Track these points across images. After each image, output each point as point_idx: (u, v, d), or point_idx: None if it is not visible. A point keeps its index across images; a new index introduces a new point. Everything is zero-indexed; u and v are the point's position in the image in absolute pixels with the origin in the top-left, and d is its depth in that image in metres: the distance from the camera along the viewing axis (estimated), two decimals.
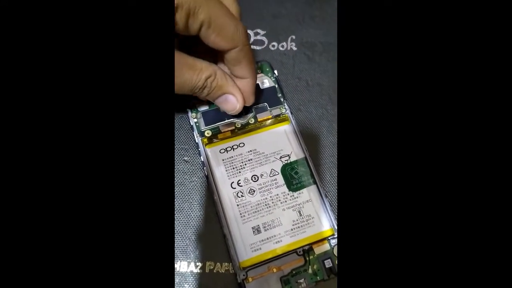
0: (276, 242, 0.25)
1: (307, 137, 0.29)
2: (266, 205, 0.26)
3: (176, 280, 0.25)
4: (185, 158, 0.29)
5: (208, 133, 0.29)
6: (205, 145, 0.28)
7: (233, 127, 0.29)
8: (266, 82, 0.31)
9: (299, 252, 0.25)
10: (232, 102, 0.26)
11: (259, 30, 0.34)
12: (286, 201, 0.27)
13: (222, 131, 0.29)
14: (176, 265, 0.25)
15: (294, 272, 0.25)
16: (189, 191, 0.28)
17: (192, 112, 0.29)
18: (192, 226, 0.26)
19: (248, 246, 0.25)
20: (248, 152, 0.28)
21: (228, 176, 0.27)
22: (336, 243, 0.26)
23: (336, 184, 0.28)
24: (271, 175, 0.27)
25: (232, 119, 0.29)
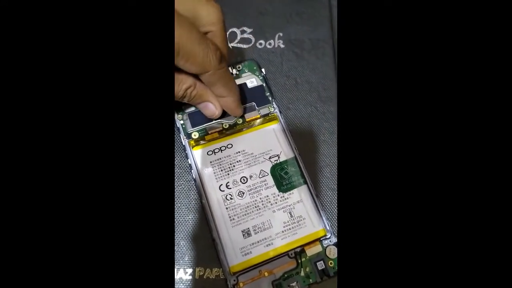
0: (267, 245, 0.25)
1: (297, 136, 0.29)
2: (256, 207, 0.26)
3: None
4: None
5: (195, 135, 0.28)
6: (192, 147, 0.27)
7: (221, 128, 0.28)
8: (253, 81, 0.30)
9: (291, 254, 0.25)
10: (211, 109, 0.27)
11: (245, 28, 0.34)
12: (276, 203, 0.26)
13: (210, 132, 0.28)
14: None
15: (286, 275, 0.24)
16: (177, 195, 0.27)
17: (178, 114, 0.28)
18: (181, 231, 0.26)
19: (238, 250, 0.24)
20: (237, 153, 0.27)
21: (216, 178, 0.26)
22: (329, 244, 0.25)
23: (327, 183, 0.28)
24: (260, 176, 0.27)
25: (219, 120, 0.28)
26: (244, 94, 0.29)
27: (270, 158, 0.27)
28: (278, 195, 0.26)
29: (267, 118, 0.29)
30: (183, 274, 0.25)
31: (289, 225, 0.25)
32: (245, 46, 0.33)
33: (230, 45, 0.33)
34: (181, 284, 0.24)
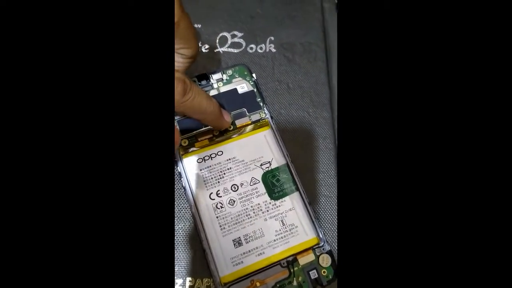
0: (259, 254, 0.24)
1: (289, 142, 0.28)
2: (247, 215, 0.25)
3: None
4: None
5: (184, 142, 0.27)
6: (182, 155, 0.27)
7: (211, 135, 0.28)
8: (244, 87, 0.30)
9: (283, 263, 0.24)
10: None
11: (236, 32, 0.33)
12: (268, 211, 0.26)
13: (199, 139, 0.28)
14: None
15: (278, 285, 0.24)
16: None
17: None
18: None
19: (229, 260, 0.24)
20: (227, 160, 0.27)
21: (206, 186, 0.26)
22: (322, 252, 0.25)
23: (320, 190, 0.28)
24: (251, 183, 0.26)
25: (209, 127, 0.28)
26: (235, 100, 0.29)
27: (261, 165, 0.27)
28: (270, 203, 0.26)
29: (258, 124, 0.28)
30: None
31: (281, 233, 0.25)
32: (235, 50, 0.33)
33: (221, 49, 0.32)
34: None
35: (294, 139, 0.29)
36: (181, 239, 0.25)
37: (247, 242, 0.25)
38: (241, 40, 0.33)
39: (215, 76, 0.30)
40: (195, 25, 0.33)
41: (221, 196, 0.26)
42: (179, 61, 0.23)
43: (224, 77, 0.30)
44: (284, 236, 0.25)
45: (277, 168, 0.27)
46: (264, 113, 0.29)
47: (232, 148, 0.27)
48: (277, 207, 0.26)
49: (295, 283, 0.24)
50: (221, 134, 0.28)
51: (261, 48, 0.33)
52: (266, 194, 0.26)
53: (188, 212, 0.26)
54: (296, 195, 0.26)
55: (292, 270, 0.24)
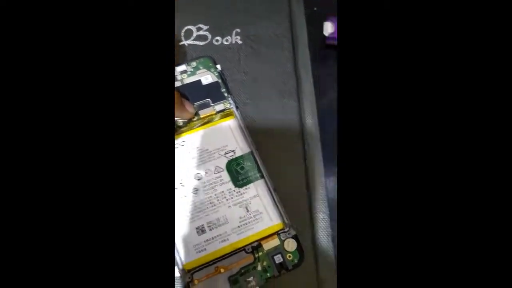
0: (222, 241, 0.24)
1: (255, 131, 0.28)
2: (211, 203, 0.25)
3: None
4: None
5: None
6: None
7: (175, 126, 0.28)
8: (208, 78, 0.30)
9: (248, 249, 0.24)
10: None
11: (201, 25, 0.33)
12: (232, 198, 0.26)
13: None
14: None
15: (242, 271, 0.24)
16: None
17: None
18: None
19: (192, 247, 0.24)
20: (190, 150, 0.27)
21: None
22: (287, 236, 0.25)
23: (286, 176, 0.28)
24: (215, 172, 0.26)
25: None
26: (199, 91, 0.29)
27: (225, 154, 0.27)
28: (234, 191, 0.26)
29: (223, 114, 0.29)
30: None
31: (246, 220, 0.25)
32: (201, 43, 0.33)
33: (186, 42, 0.33)
34: None
35: (260, 128, 0.29)
36: None
37: (210, 229, 0.25)
38: (207, 32, 0.33)
39: (179, 68, 0.30)
40: None
41: (184, 186, 0.26)
42: None
43: (188, 69, 0.30)
44: (249, 223, 0.25)
45: (241, 156, 0.27)
46: (229, 103, 0.29)
47: (196, 138, 0.27)
48: (241, 194, 0.26)
49: (259, 268, 0.24)
50: (184, 125, 0.28)
51: (227, 40, 0.33)
52: (230, 182, 0.26)
53: None
54: (260, 182, 0.26)
55: (256, 256, 0.24)
